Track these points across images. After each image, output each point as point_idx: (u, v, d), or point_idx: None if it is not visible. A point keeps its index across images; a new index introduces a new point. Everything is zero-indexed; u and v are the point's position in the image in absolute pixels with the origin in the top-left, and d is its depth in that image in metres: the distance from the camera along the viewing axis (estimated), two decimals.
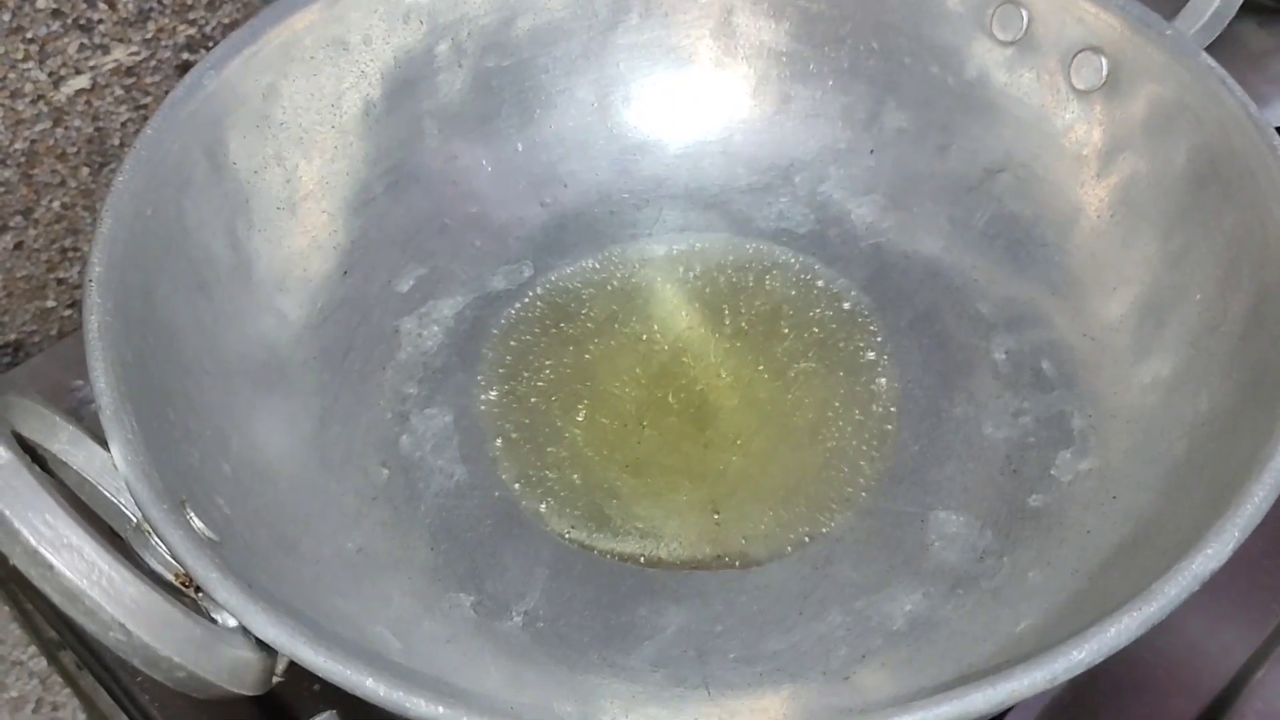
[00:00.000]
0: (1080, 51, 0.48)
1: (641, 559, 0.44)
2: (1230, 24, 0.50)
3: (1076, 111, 0.49)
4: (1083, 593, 0.39)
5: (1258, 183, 0.41)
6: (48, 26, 0.51)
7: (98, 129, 0.56)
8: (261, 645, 0.32)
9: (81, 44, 0.53)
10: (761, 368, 0.50)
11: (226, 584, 0.32)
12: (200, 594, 0.34)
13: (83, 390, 0.54)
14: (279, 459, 0.44)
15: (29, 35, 0.51)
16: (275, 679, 0.34)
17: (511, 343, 0.51)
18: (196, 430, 0.40)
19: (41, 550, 0.30)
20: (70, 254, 0.59)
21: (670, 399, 0.49)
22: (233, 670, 0.31)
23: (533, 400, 0.49)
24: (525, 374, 0.50)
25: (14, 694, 0.43)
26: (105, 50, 0.54)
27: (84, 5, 0.52)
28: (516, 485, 0.46)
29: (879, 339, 0.50)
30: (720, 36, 0.55)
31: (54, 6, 0.51)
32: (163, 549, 0.34)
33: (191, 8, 0.56)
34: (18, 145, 0.54)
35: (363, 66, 0.50)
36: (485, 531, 0.45)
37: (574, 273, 0.53)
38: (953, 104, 0.52)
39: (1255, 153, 0.41)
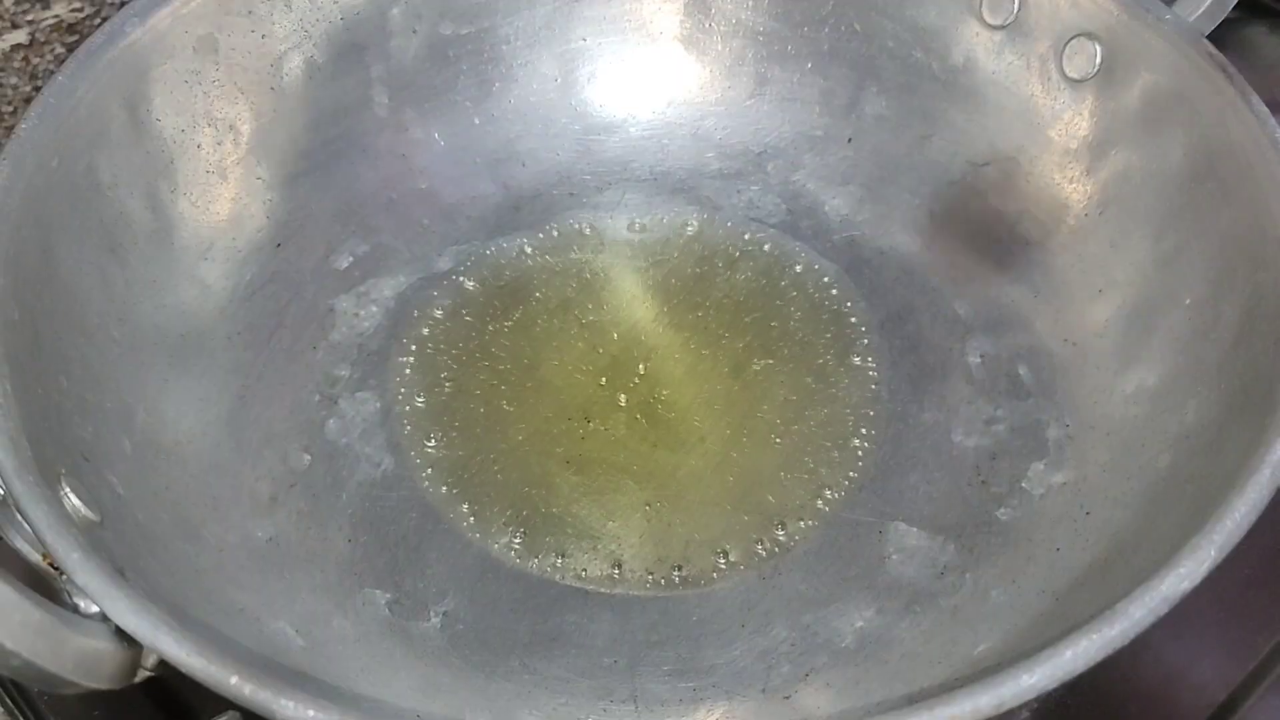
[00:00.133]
0: (1074, 37, 0.46)
1: (575, 561, 0.41)
2: (1239, 29, 0.48)
3: (1067, 102, 0.46)
4: (1048, 614, 0.36)
5: (1256, 178, 0.39)
6: None
7: (36, 88, 0.53)
8: (123, 636, 0.29)
9: None
10: (720, 363, 0.47)
11: (87, 566, 0.29)
12: (66, 578, 0.31)
13: None
14: (190, 438, 0.41)
15: None
16: (144, 673, 0.30)
17: (455, 327, 0.48)
18: (94, 401, 0.38)
19: None
20: None
21: (620, 393, 0.46)
22: (81, 661, 0.27)
23: (474, 389, 0.46)
24: (468, 361, 0.47)
25: None
26: (45, 5, 0.51)
27: None
28: (447, 478, 0.43)
29: (848, 338, 0.47)
30: (694, 12, 0.52)
31: None
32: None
33: None
34: None
35: (307, 26, 0.47)
36: (409, 526, 0.42)
37: (527, 256, 0.50)
38: (936, 91, 0.50)
39: (1255, 146, 0.39)
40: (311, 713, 0.27)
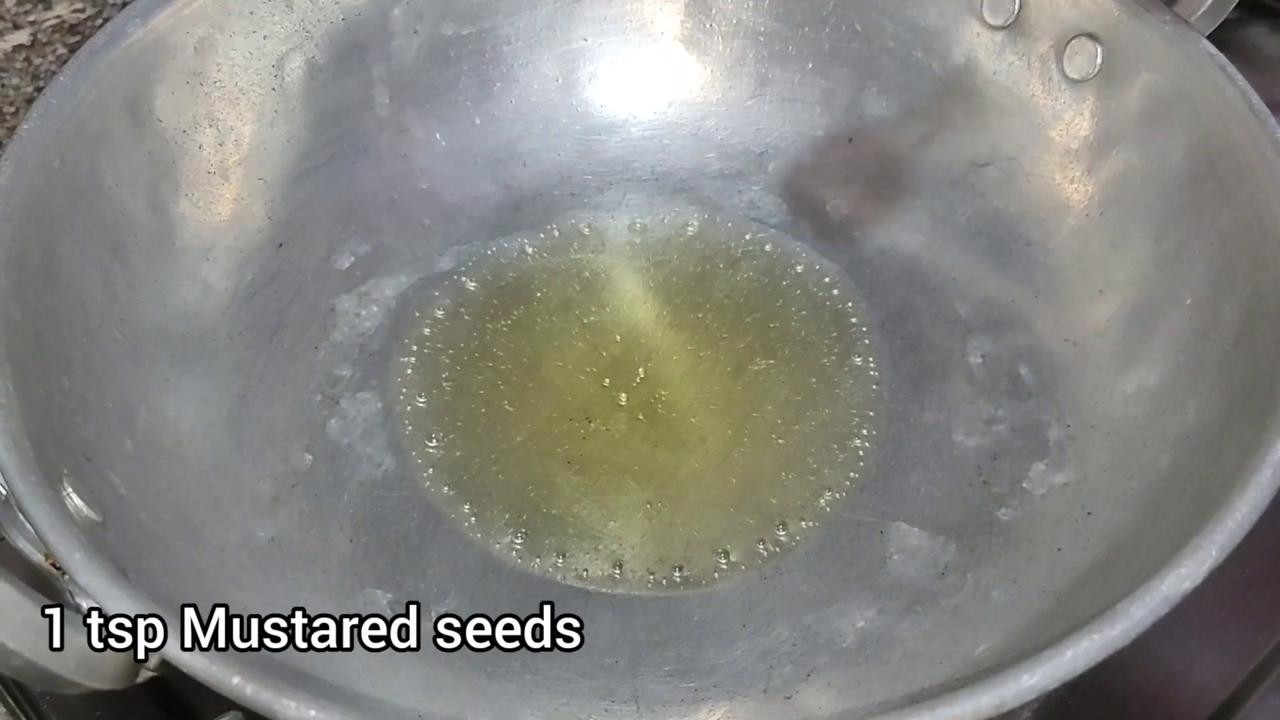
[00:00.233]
0: (1075, 37, 0.46)
1: (577, 561, 0.41)
2: (1239, 29, 0.48)
3: (1068, 102, 0.46)
4: (1050, 614, 0.36)
5: (1257, 178, 0.39)
6: None
7: (38, 89, 0.53)
8: None
9: None
10: (721, 363, 0.46)
11: (89, 566, 0.29)
12: (68, 578, 0.30)
13: None
14: (191, 438, 0.41)
15: None
16: (146, 673, 0.30)
17: (456, 328, 0.48)
18: (96, 402, 0.38)
19: None
20: None
21: (621, 393, 0.46)
22: (83, 661, 0.27)
23: (475, 389, 0.46)
24: (469, 361, 0.47)
25: None
26: (47, 5, 0.51)
27: None
28: (448, 478, 0.43)
29: (849, 338, 0.47)
30: (695, 13, 0.52)
31: None
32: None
33: None
34: None
35: (308, 26, 0.47)
36: (410, 526, 0.42)
37: (528, 256, 0.50)
38: (937, 91, 0.50)
39: (1256, 146, 0.39)
40: (313, 713, 0.27)
